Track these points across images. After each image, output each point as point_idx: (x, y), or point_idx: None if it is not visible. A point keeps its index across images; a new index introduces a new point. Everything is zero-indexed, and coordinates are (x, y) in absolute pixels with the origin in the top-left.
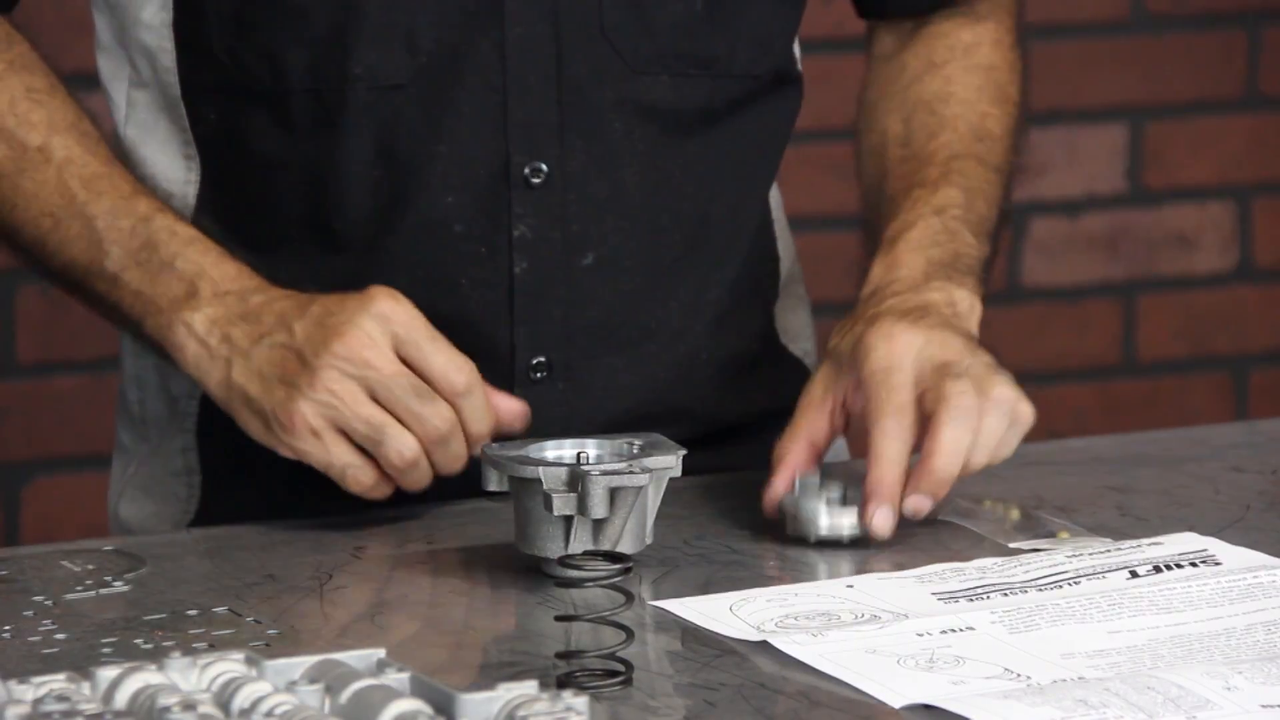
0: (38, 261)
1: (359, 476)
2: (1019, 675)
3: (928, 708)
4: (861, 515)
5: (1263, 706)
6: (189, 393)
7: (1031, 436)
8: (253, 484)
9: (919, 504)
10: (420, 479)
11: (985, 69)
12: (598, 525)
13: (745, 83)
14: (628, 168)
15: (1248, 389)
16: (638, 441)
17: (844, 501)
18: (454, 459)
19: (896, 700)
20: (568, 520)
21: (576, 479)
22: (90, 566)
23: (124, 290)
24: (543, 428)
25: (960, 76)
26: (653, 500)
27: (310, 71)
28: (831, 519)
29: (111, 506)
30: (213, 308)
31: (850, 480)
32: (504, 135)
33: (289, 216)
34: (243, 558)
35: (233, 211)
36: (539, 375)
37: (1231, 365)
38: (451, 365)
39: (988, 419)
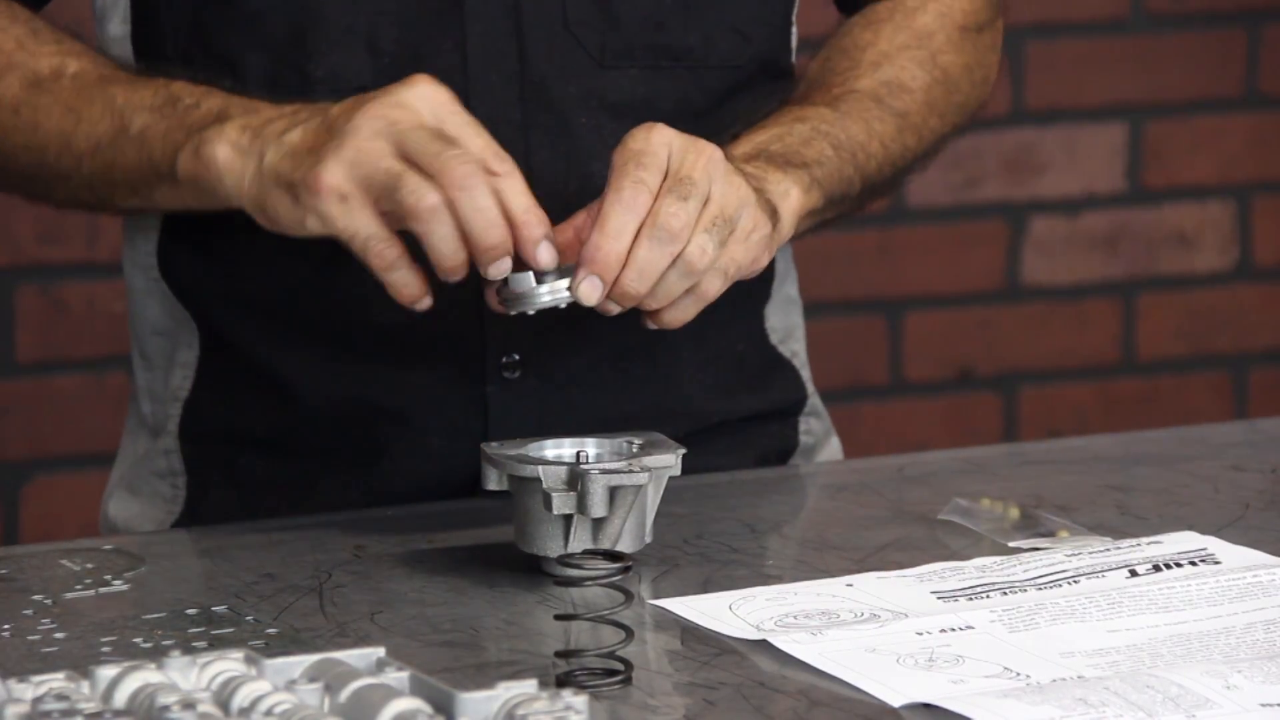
0: (62, 169)
1: (381, 250)
2: (1018, 674)
3: (927, 707)
4: (572, 280)
5: (1262, 705)
6: (171, 394)
7: (1031, 435)
8: (236, 485)
9: (632, 273)
10: (445, 240)
11: (919, 33)
12: (597, 524)
13: (726, 74)
14: (596, 163)
15: (1247, 388)
16: (637, 440)
17: (561, 273)
18: (479, 213)
19: (896, 699)
20: (567, 519)
21: (576, 478)
22: (90, 565)
23: (153, 140)
24: (516, 425)
25: (889, 34)
26: (652, 499)
27: (270, 76)
28: (551, 289)
29: (103, 505)
30: (244, 118)
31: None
32: None
33: (254, 223)
34: (242, 557)
35: (202, 222)
36: (512, 374)
37: (1231, 364)
38: (490, 149)
39: (697, 235)
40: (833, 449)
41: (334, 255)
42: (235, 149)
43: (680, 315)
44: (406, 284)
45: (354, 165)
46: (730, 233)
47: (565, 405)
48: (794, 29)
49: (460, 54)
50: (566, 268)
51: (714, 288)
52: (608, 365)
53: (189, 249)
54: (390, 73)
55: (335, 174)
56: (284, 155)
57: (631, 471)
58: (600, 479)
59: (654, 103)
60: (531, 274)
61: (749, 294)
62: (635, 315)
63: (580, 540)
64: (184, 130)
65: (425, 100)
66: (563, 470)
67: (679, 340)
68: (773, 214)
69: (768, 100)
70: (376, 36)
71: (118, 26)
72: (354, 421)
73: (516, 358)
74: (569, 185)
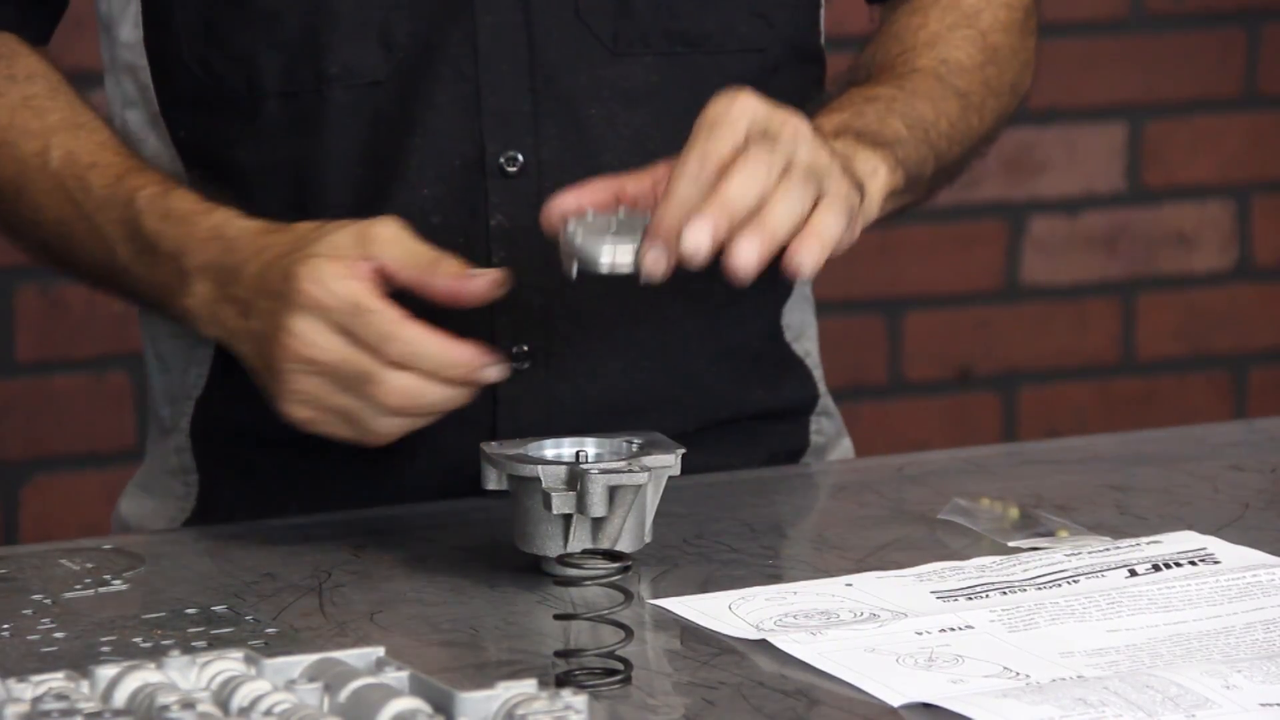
0: (72, 271)
1: (366, 441)
2: (1018, 674)
3: (927, 706)
4: (640, 251)
5: (1262, 705)
6: (185, 394)
7: (1031, 435)
8: (247, 483)
9: (695, 235)
10: (421, 418)
11: (967, 13)
12: (596, 524)
13: (748, 59)
14: (607, 154)
15: (1247, 388)
16: (637, 440)
17: (621, 239)
18: (443, 400)
19: (895, 699)
20: (566, 519)
21: (575, 478)
22: (89, 565)
23: (140, 282)
24: (527, 416)
25: (938, 15)
26: (652, 499)
27: (285, 75)
28: (615, 255)
29: (116, 505)
30: (201, 285)
31: (639, 219)
32: (478, 125)
33: (270, 214)
34: (242, 556)
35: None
36: (522, 365)
37: (1231, 364)
38: (383, 338)
39: (788, 183)
40: (844, 449)
41: None
42: (217, 329)
43: (811, 256)
44: (447, 399)
45: (306, 404)
46: (820, 193)
47: (575, 397)
48: (822, 9)
49: (471, 45)
50: (636, 222)
51: (830, 232)
52: (618, 358)
53: None
54: (404, 67)
55: (299, 413)
56: (252, 358)
57: (631, 471)
58: (600, 479)
59: (669, 90)
60: (607, 238)
61: (770, 289)
62: (645, 304)
63: (579, 540)
64: (161, 288)
65: (315, 319)
66: (562, 470)
67: (692, 333)
68: (860, 190)
69: (794, 87)
70: (390, 30)
71: (130, 32)
72: None
73: (526, 349)
74: (579, 176)
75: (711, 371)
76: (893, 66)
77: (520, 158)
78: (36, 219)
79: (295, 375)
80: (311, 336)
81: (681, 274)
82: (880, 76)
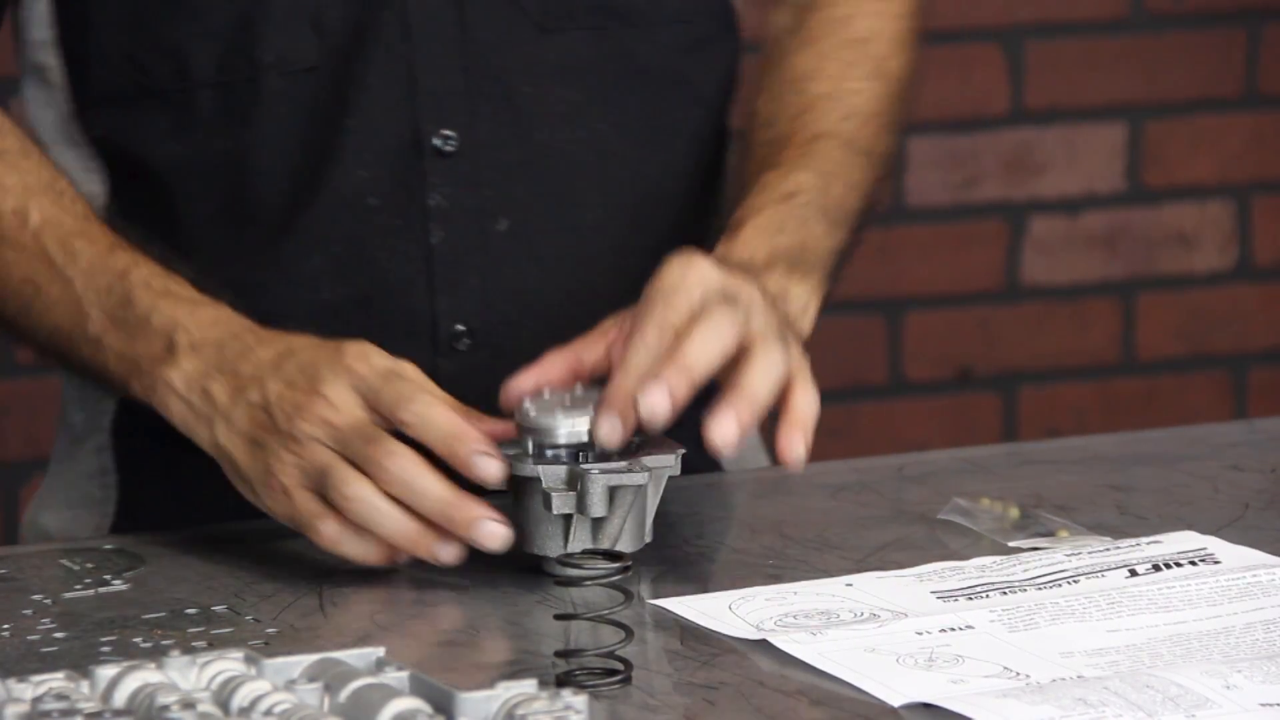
0: (24, 332)
1: (318, 526)
2: (1018, 674)
3: (927, 706)
4: (593, 421)
5: (1262, 705)
6: (107, 391)
7: (1031, 435)
8: (172, 483)
9: (652, 399)
10: (384, 521)
11: (859, 42)
12: (597, 524)
13: (676, 32)
14: (540, 131)
15: (1247, 388)
16: (636, 439)
17: (579, 412)
18: (423, 495)
19: (896, 699)
20: (567, 519)
21: (575, 478)
22: (89, 565)
23: (108, 353)
24: (466, 397)
25: (832, 52)
26: (652, 499)
27: (218, 65)
28: (572, 427)
29: (29, 518)
30: (191, 362)
31: (596, 392)
32: (413, 106)
33: (200, 212)
34: (242, 556)
35: (142, 219)
36: (462, 345)
37: (1231, 364)
38: (401, 397)
39: (765, 345)
40: (754, 440)
41: (278, 235)
42: (186, 406)
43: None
44: (363, 555)
45: (295, 470)
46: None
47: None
48: None
49: (403, 26)
50: (593, 394)
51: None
52: (558, 339)
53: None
54: (338, 51)
55: (280, 474)
56: (235, 439)
57: (631, 471)
58: (600, 479)
59: (600, 65)
60: (554, 407)
61: None
62: (582, 282)
63: (580, 540)
64: (132, 361)
65: (350, 376)
66: (562, 470)
67: (625, 308)
68: (795, 335)
69: (717, 59)
70: (322, 16)
71: (43, 31)
72: None
73: (465, 329)
74: (512, 155)
75: None
76: (796, 132)
77: (455, 137)
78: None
79: (306, 442)
80: (342, 402)
81: (621, 255)
82: (788, 150)
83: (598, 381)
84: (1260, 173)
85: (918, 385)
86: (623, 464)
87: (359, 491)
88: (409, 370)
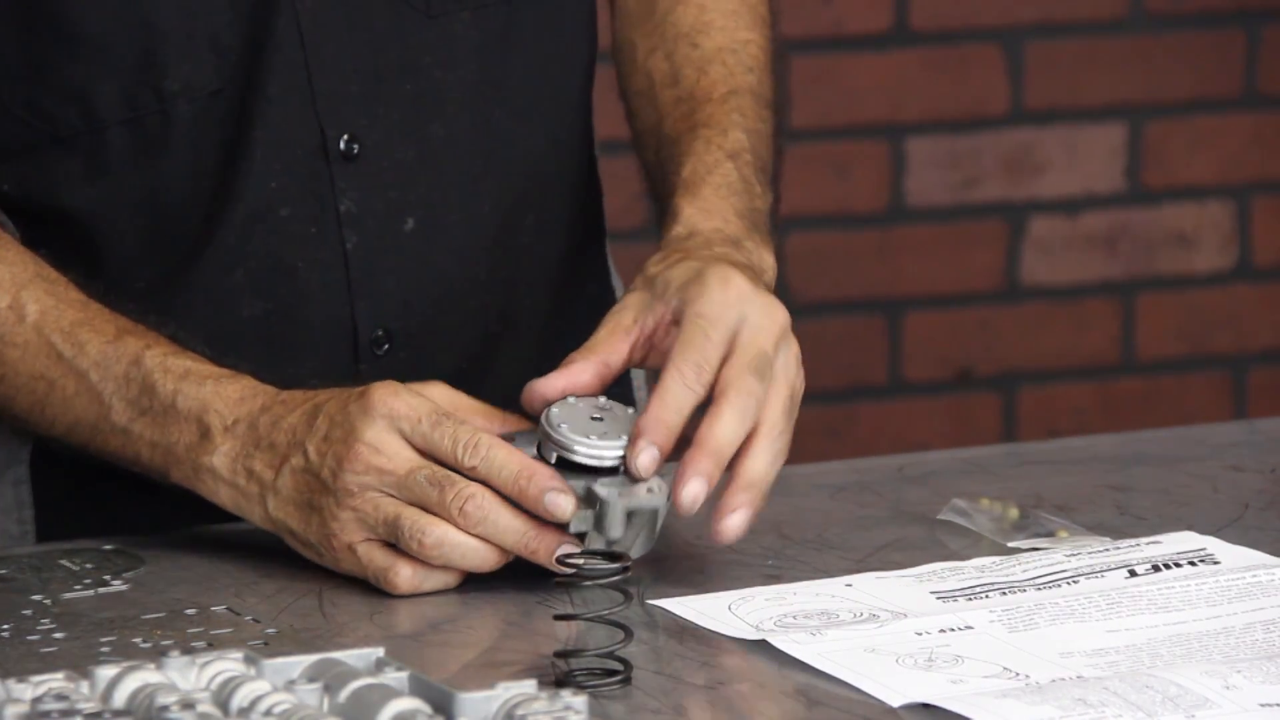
0: (38, 427)
1: (391, 578)
2: (1018, 674)
3: (926, 707)
4: (629, 450)
5: (1261, 705)
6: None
7: (1031, 435)
8: (91, 513)
9: (694, 490)
10: (468, 555)
11: None
12: (610, 539)
13: (539, 2)
14: (435, 124)
15: (1246, 388)
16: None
17: (606, 434)
18: (505, 530)
19: (895, 699)
20: (582, 534)
21: (594, 497)
22: (89, 565)
23: (140, 443)
24: None
25: (712, 4)
26: (663, 510)
27: (124, 101)
28: (602, 450)
29: None
30: (228, 444)
31: (620, 411)
32: (314, 111)
33: (120, 248)
34: (241, 556)
35: (63, 262)
36: (382, 349)
37: (1230, 364)
38: (460, 441)
39: (771, 437)
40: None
41: (197, 256)
42: (234, 489)
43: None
44: (446, 584)
45: (358, 524)
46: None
47: (433, 373)
48: None
49: (295, 33)
50: (619, 415)
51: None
52: (467, 327)
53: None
54: (239, 69)
55: (343, 535)
56: (287, 508)
57: (650, 495)
58: (619, 503)
59: (487, 45)
60: (584, 426)
61: (593, 232)
62: (489, 270)
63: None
64: (168, 449)
65: (390, 420)
66: (580, 487)
67: (532, 292)
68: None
69: (574, 26)
70: (219, 36)
71: None
72: None
73: (382, 333)
74: (410, 152)
75: (554, 326)
76: (708, 89)
77: (357, 139)
78: (5, 375)
79: (359, 491)
80: (387, 445)
81: (519, 235)
82: (709, 106)
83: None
84: (1260, 173)
85: (917, 385)
86: (643, 488)
87: (443, 536)
88: (439, 393)
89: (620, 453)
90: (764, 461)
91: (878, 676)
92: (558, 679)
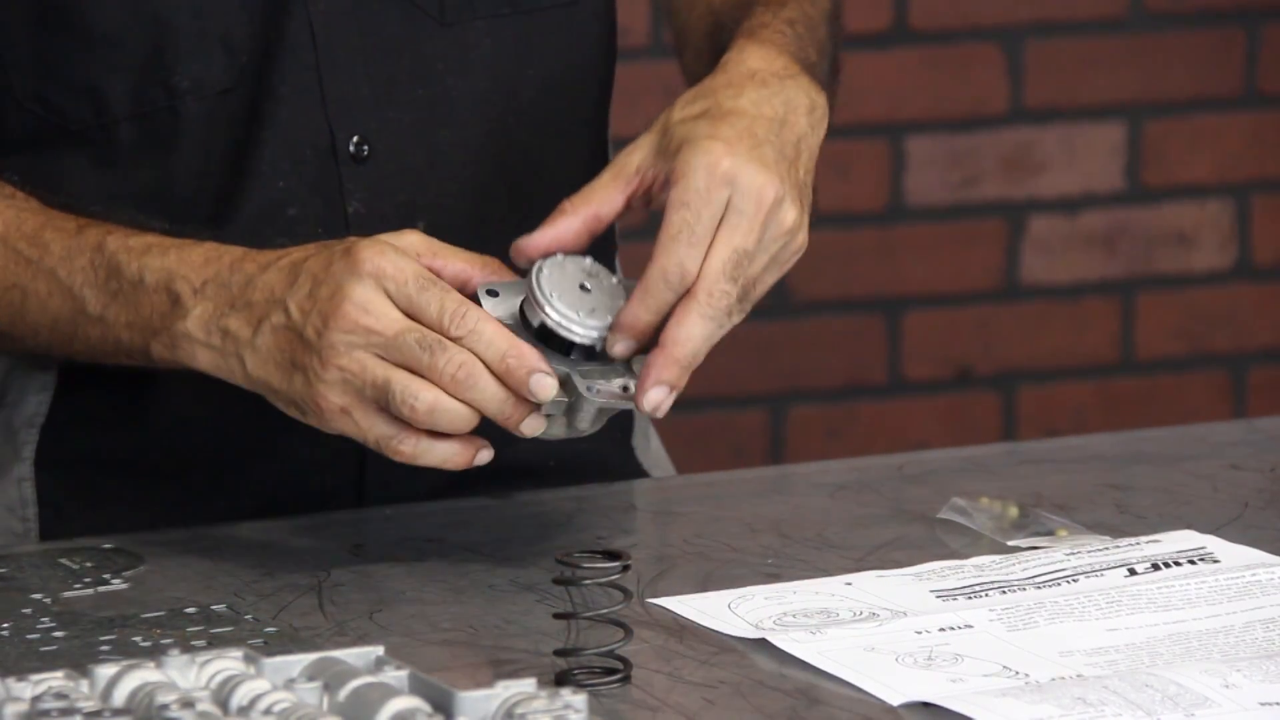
0: (21, 337)
1: (397, 446)
2: (1017, 673)
3: (926, 705)
4: (609, 337)
5: (1261, 704)
6: (27, 422)
7: (1030, 434)
8: (95, 511)
9: (657, 398)
10: (455, 420)
11: None
12: (571, 410)
13: (557, 14)
14: (444, 129)
15: (1246, 387)
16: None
17: (594, 311)
18: (489, 399)
19: (895, 698)
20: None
21: (568, 383)
22: (89, 564)
23: (117, 326)
24: None
25: None
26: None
27: (134, 97)
28: (580, 325)
29: None
30: (199, 306)
31: (607, 281)
32: (324, 113)
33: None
34: (241, 555)
35: None
36: None
37: (1230, 363)
38: (447, 311)
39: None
40: (656, 447)
41: None
42: (210, 350)
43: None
44: (446, 459)
45: (344, 384)
46: (752, 281)
47: None
48: None
49: (308, 35)
50: (605, 291)
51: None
52: None
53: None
54: (249, 68)
55: (331, 396)
56: (267, 366)
57: (625, 393)
58: (595, 400)
59: (500, 55)
60: (573, 300)
61: (604, 240)
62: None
63: (555, 426)
64: (144, 325)
65: (377, 279)
66: (560, 371)
67: None
68: (818, 106)
69: (589, 37)
70: (231, 35)
71: None
72: (219, 435)
73: None
74: (420, 156)
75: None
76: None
77: (367, 141)
78: None
79: (345, 351)
80: (374, 305)
81: (512, 237)
82: (762, 4)
83: (602, 239)
84: (1260, 172)
85: (917, 385)
86: (618, 385)
87: (435, 402)
88: (416, 240)
89: (602, 334)
90: (694, 330)
91: (877, 675)
92: (557, 678)
